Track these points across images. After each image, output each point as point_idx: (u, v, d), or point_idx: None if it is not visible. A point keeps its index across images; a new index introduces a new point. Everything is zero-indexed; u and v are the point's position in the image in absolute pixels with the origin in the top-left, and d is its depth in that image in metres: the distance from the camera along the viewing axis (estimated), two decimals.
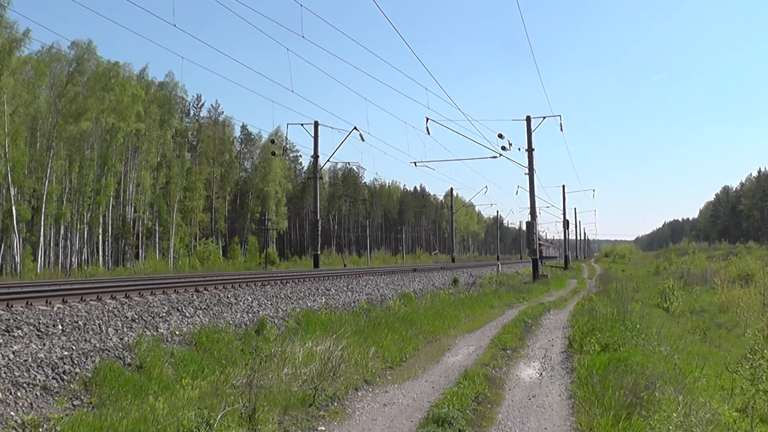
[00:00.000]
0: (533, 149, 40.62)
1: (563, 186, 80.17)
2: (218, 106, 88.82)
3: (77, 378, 8.92)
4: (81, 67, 52.45)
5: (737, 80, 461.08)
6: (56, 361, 9.02)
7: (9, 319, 9.73)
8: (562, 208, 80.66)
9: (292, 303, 17.29)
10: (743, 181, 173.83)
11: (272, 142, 62.56)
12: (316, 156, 41.92)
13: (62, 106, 49.17)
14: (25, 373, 8.42)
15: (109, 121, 52.63)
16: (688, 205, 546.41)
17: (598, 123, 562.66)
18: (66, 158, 50.51)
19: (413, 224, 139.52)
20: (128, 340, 10.52)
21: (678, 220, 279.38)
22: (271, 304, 16.33)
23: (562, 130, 42.55)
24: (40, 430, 7.24)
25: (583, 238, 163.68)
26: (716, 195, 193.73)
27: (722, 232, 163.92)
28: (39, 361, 8.82)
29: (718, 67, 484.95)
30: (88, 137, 52.30)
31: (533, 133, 40.47)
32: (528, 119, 40.47)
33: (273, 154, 66.09)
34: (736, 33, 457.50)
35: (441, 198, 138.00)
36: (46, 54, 50.99)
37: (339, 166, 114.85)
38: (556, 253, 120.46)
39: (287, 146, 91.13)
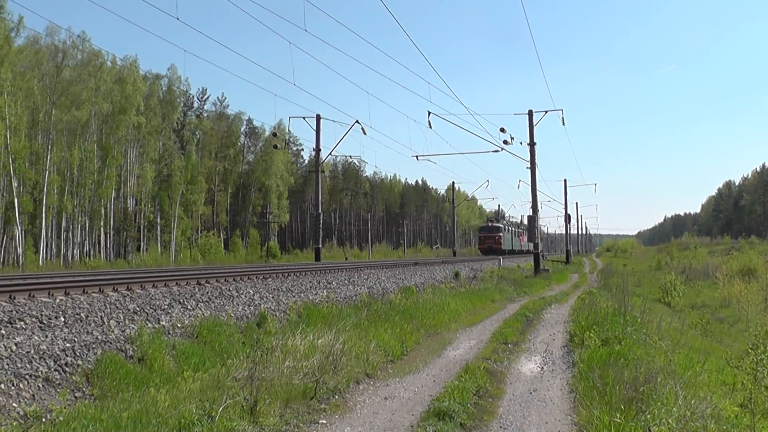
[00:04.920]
0: (535, 143, 40.62)
1: (565, 180, 79.72)
2: (224, 99, 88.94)
3: (79, 370, 8.94)
4: (67, 55, 52.12)
5: (741, 74, 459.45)
6: (58, 352, 9.04)
7: (12, 311, 9.74)
8: (563, 203, 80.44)
9: (294, 296, 17.31)
10: (746, 176, 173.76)
11: (274, 135, 62.38)
12: (318, 149, 41.87)
13: (54, 96, 49.01)
14: (28, 365, 8.44)
15: (104, 108, 52.48)
16: (690, 199, 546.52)
17: (600, 117, 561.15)
18: (67, 149, 50.49)
19: (415, 218, 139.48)
20: (130, 333, 10.54)
21: (680, 214, 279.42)
22: (273, 297, 16.34)
23: (564, 124, 42.64)
24: (42, 421, 7.25)
25: (584, 232, 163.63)
26: (718, 190, 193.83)
27: (724, 227, 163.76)
28: (41, 352, 8.84)
29: (723, 61, 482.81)
30: (85, 128, 52.27)
31: (535, 127, 40.49)
32: (530, 113, 40.45)
33: (275, 147, 66.01)
34: (742, 27, 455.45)
35: (443, 192, 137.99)
36: (34, 42, 50.88)
37: (341, 159, 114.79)
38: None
39: (290, 139, 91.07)
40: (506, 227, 78.64)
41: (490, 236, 76.10)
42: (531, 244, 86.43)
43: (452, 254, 79.77)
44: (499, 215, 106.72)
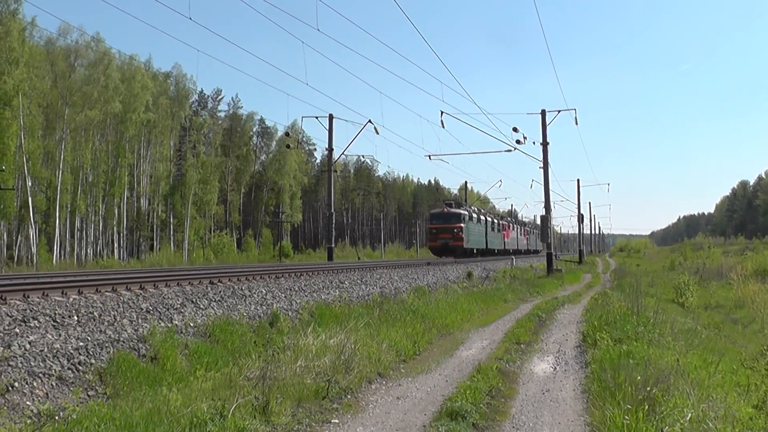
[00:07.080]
0: (548, 143, 40.45)
1: (578, 180, 79.19)
2: (238, 100, 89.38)
3: (92, 368, 8.98)
4: (79, 55, 52.48)
5: (755, 72, 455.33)
6: (71, 351, 9.09)
7: (25, 310, 9.81)
8: (576, 202, 79.95)
9: (306, 295, 17.32)
10: (761, 176, 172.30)
11: (287, 134, 62.61)
12: (330, 149, 41.91)
13: (68, 96, 49.30)
14: (41, 364, 8.49)
15: (115, 107, 52.79)
16: (704, 199, 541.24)
17: (613, 116, 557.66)
18: (80, 148, 50.83)
19: (427, 218, 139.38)
20: (143, 332, 10.58)
21: (694, 214, 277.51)
22: (285, 297, 16.36)
23: (577, 123, 42.43)
24: (56, 419, 7.29)
25: (597, 232, 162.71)
26: (732, 189, 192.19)
27: (738, 227, 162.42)
28: (55, 351, 8.88)
29: (737, 59, 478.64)
30: (97, 127, 52.61)
31: (548, 127, 40.32)
32: (543, 113, 40.29)
33: (288, 147, 66.18)
34: (756, 25, 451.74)
35: (455, 192, 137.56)
36: (48, 43, 51.29)
37: (353, 158, 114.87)
38: (525, 242, 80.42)
39: (303, 139, 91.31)
40: (474, 215, 52.16)
41: (445, 228, 47.59)
42: (526, 243, 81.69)
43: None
44: (511, 213, 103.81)
